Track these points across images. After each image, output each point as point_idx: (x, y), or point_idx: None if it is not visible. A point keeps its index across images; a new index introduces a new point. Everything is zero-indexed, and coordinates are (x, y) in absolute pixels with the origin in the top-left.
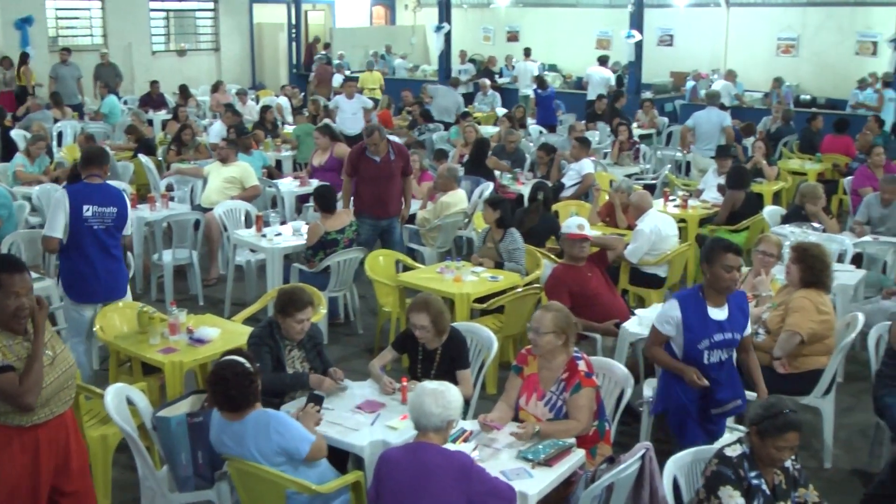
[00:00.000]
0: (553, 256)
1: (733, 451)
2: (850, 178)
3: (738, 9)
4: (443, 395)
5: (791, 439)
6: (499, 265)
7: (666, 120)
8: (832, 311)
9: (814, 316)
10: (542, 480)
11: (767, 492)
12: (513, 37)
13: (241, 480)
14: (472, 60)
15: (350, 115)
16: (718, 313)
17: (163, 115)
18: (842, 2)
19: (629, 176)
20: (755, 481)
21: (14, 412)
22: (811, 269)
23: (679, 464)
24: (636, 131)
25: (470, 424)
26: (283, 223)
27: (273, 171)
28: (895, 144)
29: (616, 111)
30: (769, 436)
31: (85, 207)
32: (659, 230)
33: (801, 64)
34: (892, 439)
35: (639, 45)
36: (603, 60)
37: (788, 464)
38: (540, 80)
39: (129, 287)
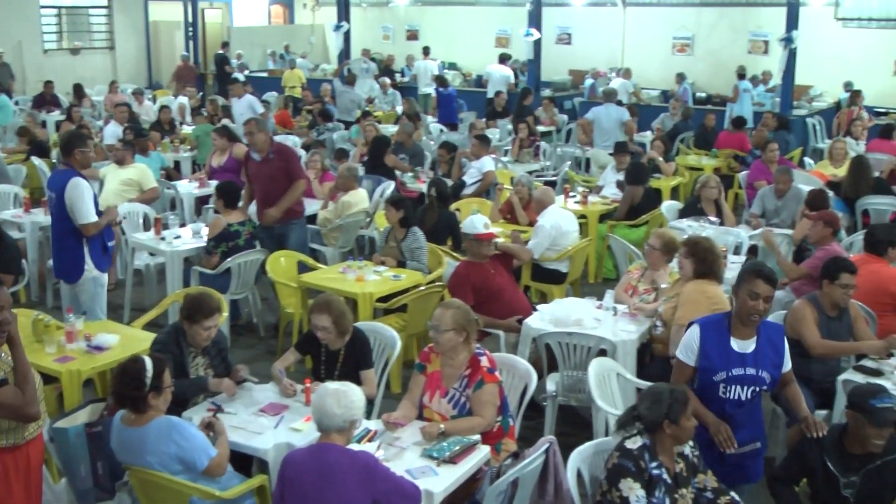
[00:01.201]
0: (455, 255)
1: (633, 444)
2: (745, 172)
3: (634, 8)
4: (345, 396)
5: (694, 420)
6: (401, 264)
7: (565, 117)
8: (724, 301)
9: (704, 307)
10: (447, 478)
11: (669, 480)
12: (412, 35)
13: (143, 490)
14: (372, 59)
15: (238, 116)
16: (743, 346)
17: (56, 115)
18: (734, 2)
19: (530, 173)
20: (656, 471)
21: (9, 430)
22: (703, 261)
23: (582, 456)
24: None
25: (374, 424)
26: (182, 226)
27: (171, 173)
28: (783, 136)
29: (527, 109)
30: (677, 421)
31: (46, 191)
32: (560, 226)
33: (696, 62)
34: (787, 424)
35: (537, 44)
36: (502, 58)
37: (688, 451)
38: (440, 79)
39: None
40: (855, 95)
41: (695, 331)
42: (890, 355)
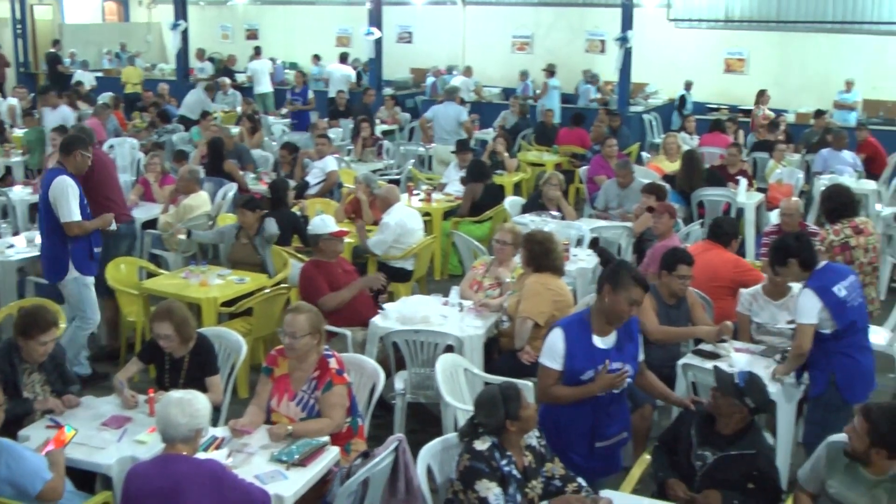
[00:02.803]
0: (300, 255)
1: (482, 445)
2: (585, 167)
3: (473, 7)
4: (189, 404)
5: (534, 405)
6: (254, 265)
7: (408, 116)
8: (567, 293)
9: (546, 299)
10: (297, 481)
11: (519, 476)
12: (252, 35)
13: None
14: (210, 59)
15: (49, 132)
16: (605, 342)
17: None
18: (571, 2)
19: (374, 172)
20: (506, 468)
21: None
22: (531, 253)
23: (432, 452)
24: (379, 127)
25: (221, 431)
26: (15, 234)
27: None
28: (623, 132)
29: (364, 108)
30: (517, 416)
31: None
32: (405, 223)
33: (535, 61)
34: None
35: (378, 42)
36: (343, 58)
37: (535, 441)
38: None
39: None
40: (759, 94)
41: (557, 334)
42: (723, 340)
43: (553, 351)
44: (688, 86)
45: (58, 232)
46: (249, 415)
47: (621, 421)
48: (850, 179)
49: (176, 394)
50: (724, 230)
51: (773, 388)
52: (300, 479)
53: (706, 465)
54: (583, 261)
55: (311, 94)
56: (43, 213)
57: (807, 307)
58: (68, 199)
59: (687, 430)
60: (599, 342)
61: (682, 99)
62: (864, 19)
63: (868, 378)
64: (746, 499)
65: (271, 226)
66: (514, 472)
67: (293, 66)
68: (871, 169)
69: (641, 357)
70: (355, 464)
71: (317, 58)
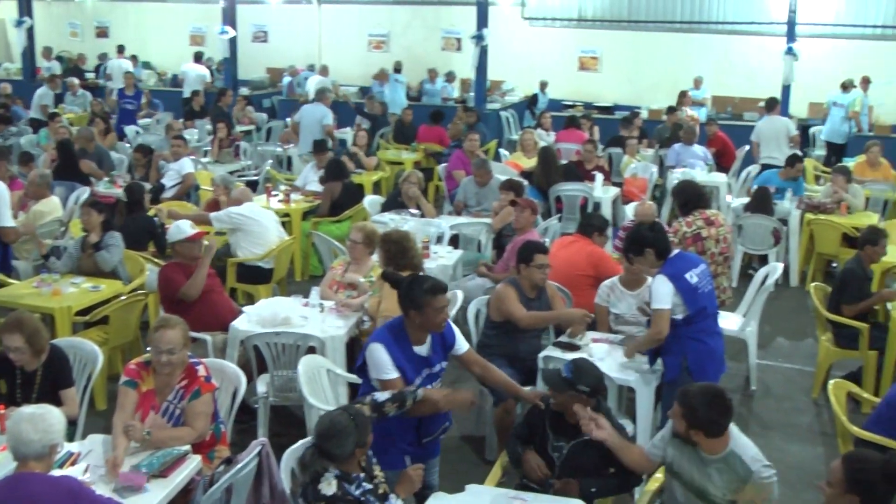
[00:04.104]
0: (157, 260)
1: (330, 488)
2: (444, 165)
3: (329, 6)
4: (42, 419)
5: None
6: (102, 272)
7: (265, 116)
8: None
9: None
10: (158, 493)
11: (368, 485)
12: (102, 32)
13: None
14: (58, 58)
15: None
16: (422, 349)
17: None
18: (426, 1)
19: (232, 173)
20: (358, 491)
21: None
22: (388, 253)
23: (296, 455)
24: (236, 128)
25: (77, 446)
26: None
27: None
28: (480, 129)
29: (220, 109)
30: (364, 444)
31: None
32: (253, 216)
33: (392, 59)
34: (494, 403)
35: (233, 42)
36: (198, 57)
37: None
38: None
39: None
40: (681, 96)
41: (378, 349)
42: (590, 327)
43: (385, 363)
44: (542, 85)
45: None
46: (118, 433)
47: (444, 415)
48: (702, 172)
49: (27, 409)
50: (591, 223)
51: (631, 377)
52: (161, 491)
53: (563, 455)
54: (443, 258)
55: (143, 98)
56: None
57: (661, 292)
58: (7, 205)
59: (541, 424)
60: (418, 350)
61: (535, 97)
62: (710, 19)
63: (718, 361)
64: (605, 483)
65: (107, 258)
66: (366, 484)
67: (146, 65)
68: (721, 162)
69: (465, 348)
70: (218, 471)
71: (135, 58)
